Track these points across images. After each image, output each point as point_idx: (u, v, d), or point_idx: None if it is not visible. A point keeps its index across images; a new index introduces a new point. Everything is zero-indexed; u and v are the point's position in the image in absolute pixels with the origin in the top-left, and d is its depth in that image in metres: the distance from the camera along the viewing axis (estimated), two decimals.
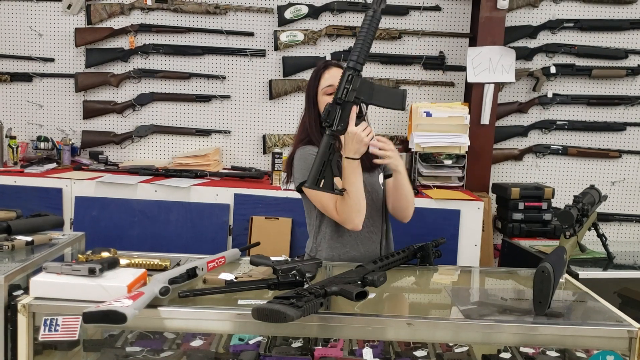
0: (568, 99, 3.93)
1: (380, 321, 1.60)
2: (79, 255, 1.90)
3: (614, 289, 2.60)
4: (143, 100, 3.94)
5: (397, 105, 1.98)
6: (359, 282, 1.66)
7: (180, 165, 3.71)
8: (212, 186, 3.40)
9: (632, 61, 3.91)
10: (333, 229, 2.16)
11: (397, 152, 2.07)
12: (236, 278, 1.74)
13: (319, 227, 2.20)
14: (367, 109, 2.00)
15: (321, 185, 1.88)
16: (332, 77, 2.12)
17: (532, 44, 3.91)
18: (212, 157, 3.76)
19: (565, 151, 3.96)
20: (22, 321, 1.56)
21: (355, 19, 3.89)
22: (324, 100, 2.11)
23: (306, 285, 1.59)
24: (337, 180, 1.97)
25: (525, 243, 3.10)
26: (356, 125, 1.90)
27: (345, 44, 3.91)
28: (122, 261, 1.82)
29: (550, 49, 3.89)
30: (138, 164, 3.71)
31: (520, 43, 3.89)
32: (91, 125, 3.99)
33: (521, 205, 3.49)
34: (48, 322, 1.53)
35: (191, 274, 1.72)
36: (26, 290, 1.65)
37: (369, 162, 2.09)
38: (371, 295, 1.70)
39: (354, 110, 1.90)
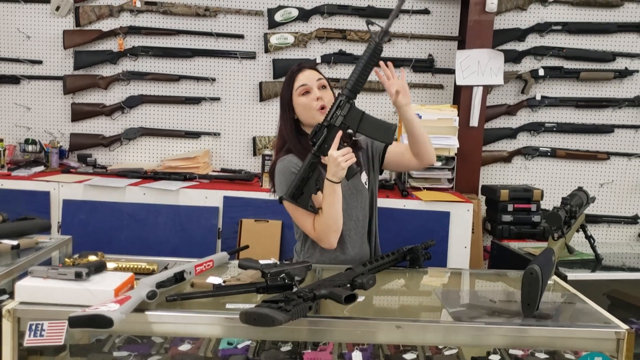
0: (556, 101, 3.95)
1: (370, 324, 1.60)
2: (66, 259, 1.88)
3: (603, 290, 2.62)
4: (132, 102, 3.92)
5: (384, 138, 2.01)
6: (348, 285, 1.65)
7: (169, 167, 3.69)
8: (201, 189, 3.38)
9: (620, 64, 3.93)
10: None
11: (403, 85, 2.03)
12: (224, 282, 1.73)
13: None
14: (355, 135, 2.01)
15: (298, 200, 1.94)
16: (305, 77, 2.12)
17: (520, 46, 3.92)
18: (201, 159, 3.74)
19: (553, 153, 3.98)
20: (6, 326, 1.54)
21: (345, 22, 3.89)
22: (300, 102, 2.11)
23: (295, 289, 1.58)
24: (318, 195, 2.01)
25: (514, 245, 3.11)
26: (340, 148, 1.92)
27: (335, 46, 3.91)
28: (110, 265, 1.81)
29: (538, 52, 3.91)
30: (127, 167, 3.69)
31: (508, 46, 3.91)
32: (79, 128, 3.96)
33: (510, 207, 3.51)
34: (33, 327, 1.51)
35: (179, 277, 1.71)
36: (11, 295, 1.64)
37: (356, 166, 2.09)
38: (360, 299, 1.70)
39: (339, 135, 1.93)
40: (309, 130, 2.12)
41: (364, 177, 2.22)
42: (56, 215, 3.32)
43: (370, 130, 1.99)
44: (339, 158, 1.91)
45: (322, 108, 2.10)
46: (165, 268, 1.85)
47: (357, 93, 1.95)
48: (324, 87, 2.15)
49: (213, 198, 3.35)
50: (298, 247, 2.25)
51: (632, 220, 4.02)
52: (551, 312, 1.69)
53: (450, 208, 3.31)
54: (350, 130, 1.97)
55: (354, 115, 1.95)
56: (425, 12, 3.89)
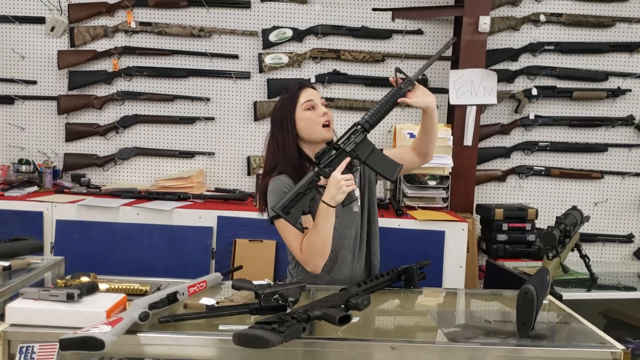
0: (550, 120, 3.97)
1: (364, 345, 1.59)
2: (58, 280, 1.87)
3: (599, 309, 2.60)
4: (126, 122, 3.92)
5: (388, 175, 2.04)
6: (343, 306, 1.64)
7: (163, 187, 3.68)
8: (195, 209, 3.37)
9: (612, 83, 3.96)
10: None
11: (426, 91, 2.08)
12: (217, 303, 1.72)
13: None
14: (360, 166, 2.01)
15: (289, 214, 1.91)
16: (310, 94, 2.14)
17: (513, 66, 3.95)
18: (195, 179, 3.74)
19: (548, 172, 3.99)
20: None
21: (339, 42, 3.92)
22: (305, 116, 2.11)
23: (289, 310, 1.57)
24: (307, 218, 2.00)
25: (509, 264, 3.10)
26: (343, 174, 1.93)
27: (329, 66, 3.93)
28: (102, 286, 1.79)
29: (531, 72, 3.94)
30: (120, 187, 3.67)
31: (501, 65, 3.93)
32: (73, 148, 3.96)
33: (505, 226, 3.51)
34: (24, 349, 1.50)
35: (172, 298, 1.70)
36: (2, 317, 1.62)
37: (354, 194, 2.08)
38: (355, 319, 1.68)
39: (346, 160, 1.95)
40: (307, 147, 2.13)
41: (357, 191, 2.22)
42: (49, 235, 3.30)
43: (377, 163, 2.01)
44: (342, 181, 1.91)
45: (327, 125, 2.12)
46: (158, 289, 1.83)
47: (373, 127, 1.99)
48: (325, 106, 2.17)
49: (207, 218, 3.33)
50: (292, 268, 2.24)
51: (626, 239, 4.02)
52: (547, 332, 1.68)
53: (445, 227, 3.30)
54: (356, 160, 1.98)
55: (365, 146, 1.98)
56: (419, 32, 3.92)
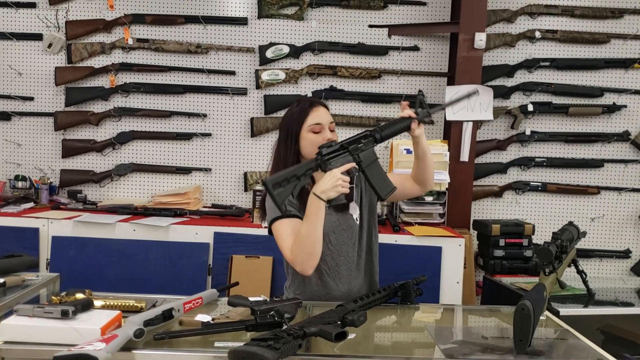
0: (546, 136, 3.99)
1: None
2: (53, 297, 1.86)
3: (596, 325, 2.59)
4: (123, 138, 3.92)
5: (380, 191, 2.02)
6: (339, 322, 1.63)
7: (160, 203, 3.67)
8: (191, 225, 3.36)
9: (608, 99, 3.98)
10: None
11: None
12: (213, 319, 1.71)
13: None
14: (358, 173, 2.01)
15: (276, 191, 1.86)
16: (320, 116, 2.11)
17: (509, 82, 3.97)
18: (192, 195, 3.73)
19: (544, 188, 4.00)
20: None
21: (335, 59, 3.94)
22: (309, 138, 2.10)
23: (285, 326, 1.56)
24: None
25: (506, 280, 3.09)
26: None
27: (326, 82, 3.94)
28: (97, 303, 1.79)
29: (527, 88, 3.96)
30: (117, 203, 3.67)
31: (497, 82, 3.96)
32: (70, 164, 3.95)
33: (502, 242, 3.51)
34: None
35: (167, 315, 1.69)
36: None
37: (344, 198, 2.08)
38: (351, 336, 1.67)
39: (352, 164, 1.94)
40: None
41: (355, 212, 2.21)
42: (45, 252, 3.29)
43: (374, 176, 2.00)
44: (339, 179, 1.89)
45: None
46: (154, 305, 1.82)
47: (384, 140, 2.00)
48: (332, 130, 2.14)
49: (203, 234, 3.32)
50: (288, 284, 2.23)
51: (623, 254, 4.02)
52: (544, 349, 1.67)
53: (442, 243, 3.30)
54: (356, 166, 1.97)
55: (370, 155, 1.98)
56: (415, 48, 3.95)
